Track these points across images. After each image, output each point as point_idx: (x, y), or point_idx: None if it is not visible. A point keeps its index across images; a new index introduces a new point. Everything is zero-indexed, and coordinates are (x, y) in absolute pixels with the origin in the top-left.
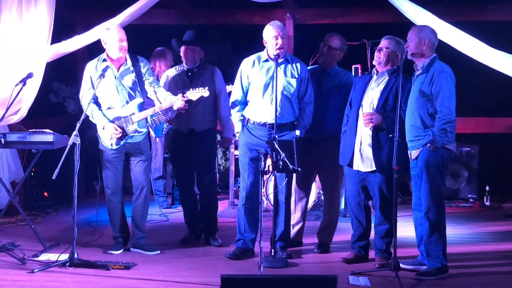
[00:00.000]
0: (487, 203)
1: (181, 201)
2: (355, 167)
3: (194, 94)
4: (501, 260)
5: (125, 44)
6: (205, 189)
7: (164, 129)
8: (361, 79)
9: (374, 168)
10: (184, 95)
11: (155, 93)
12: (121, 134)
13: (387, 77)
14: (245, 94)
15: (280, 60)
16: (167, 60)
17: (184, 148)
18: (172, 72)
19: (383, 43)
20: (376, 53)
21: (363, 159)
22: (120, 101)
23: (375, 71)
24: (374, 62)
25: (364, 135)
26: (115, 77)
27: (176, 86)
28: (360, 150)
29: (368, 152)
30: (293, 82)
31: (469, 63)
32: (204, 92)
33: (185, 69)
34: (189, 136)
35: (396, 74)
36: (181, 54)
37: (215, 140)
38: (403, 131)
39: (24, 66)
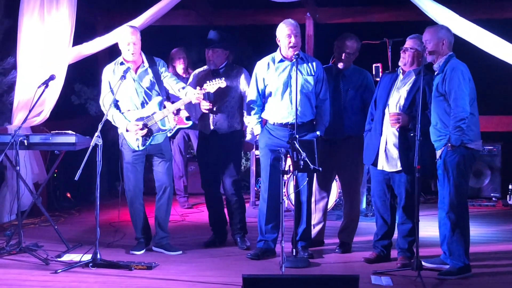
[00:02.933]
0: (510, 202)
1: (206, 203)
2: (379, 167)
3: (212, 86)
4: None
5: (132, 48)
6: (230, 191)
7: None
8: (386, 78)
9: (399, 168)
10: (202, 87)
11: (173, 89)
12: (146, 130)
13: (414, 77)
14: (261, 96)
15: (293, 60)
16: (174, 65)
17: (209, 150)
18: (199, 72)
19: (408, 43)
20: (401, 54)
21: (388, 159)
22: (140, 103)
23: (400, 70)
24: (400, 63)
25: (389, 135)
26: (134, 79)
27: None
28: (385, 150)
29: (394, 152)
30: (310, 79)
31: (490, 61)
32: (221, 83)
33: (211, 70)
34: (213, 138)
35: (424, 74)
36: (206, 55)
37: (241, 142)
38: (429, 131)
39: (46, 68)
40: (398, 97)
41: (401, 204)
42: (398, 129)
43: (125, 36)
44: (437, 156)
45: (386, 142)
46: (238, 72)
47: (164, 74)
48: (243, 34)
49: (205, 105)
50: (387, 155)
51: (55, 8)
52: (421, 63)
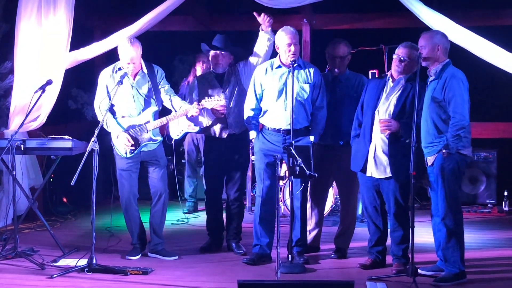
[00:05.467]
0: (506, 208)
1: (206, 207)
2: (368, 173)
3: (210, 103)
4: None
5: (131, 67)
6: (234, 195)
7: (180, 134)
8: (373, 83)
9: (388, 174)
10: (200, 103)
11: (171, 101)
12: (133, 146)
13: (404, 84)
14: (259, 101)
15: (291, 67)
16: (195, 68)
17: (220, 153)
18: (202, 76)
19: (404, 52)
20: (397, 63)
21: (377, 166)
22: (137, 109)
23: (389, 77)
24: (393, 71)
25: (378, 141)
26: (131, 86)
27: (206, 91)
28: (374, 157)
29: (382, 158)
30: (306, 87)
31: (486, 67)
32: (219, 100)
33: (215, 73)
34: (226, 140)
35: (413, 81)
36: (210, 59)
37: (249, 144)
38: (420, 137)
39: (43, 73)
40: (388, 103)
41: (391, 211)
42: (387, 136)
43: (126, 52)
44: (429, 163)
45: (375, 149)
46: (238, 73)
47: (162, 85)
48: (239, 40)
49: (220, 110)
50: (376, 162)
51: (53, 13)
52: (413, 70)
